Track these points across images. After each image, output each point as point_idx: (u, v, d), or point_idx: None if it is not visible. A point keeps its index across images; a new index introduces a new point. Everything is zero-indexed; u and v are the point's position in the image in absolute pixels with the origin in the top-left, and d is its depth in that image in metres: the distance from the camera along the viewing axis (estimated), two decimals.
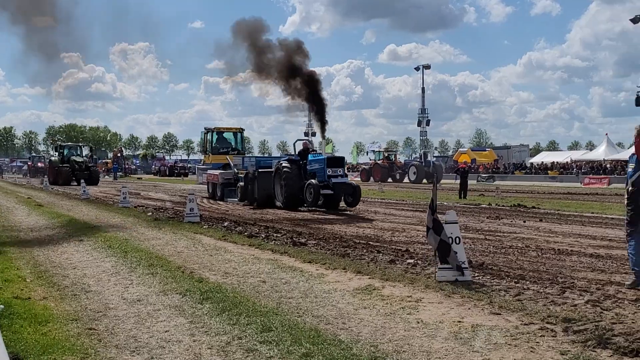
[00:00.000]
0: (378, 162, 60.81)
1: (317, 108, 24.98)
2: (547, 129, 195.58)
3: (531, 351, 5.23)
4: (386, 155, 62.67)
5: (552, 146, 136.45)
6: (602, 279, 8.41)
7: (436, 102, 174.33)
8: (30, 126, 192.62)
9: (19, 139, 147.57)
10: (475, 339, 5.59)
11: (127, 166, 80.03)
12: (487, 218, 17.81)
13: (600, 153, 58.96)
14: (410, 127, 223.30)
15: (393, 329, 5.98)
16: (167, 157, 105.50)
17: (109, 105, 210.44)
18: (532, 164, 65.18)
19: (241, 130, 33.71)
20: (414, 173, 56.86)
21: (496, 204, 23.57)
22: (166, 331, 5.97)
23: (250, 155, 36.72)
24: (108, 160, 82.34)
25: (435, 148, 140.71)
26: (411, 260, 9.79)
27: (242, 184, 24.59)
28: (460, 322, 6.17)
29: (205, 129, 33.15)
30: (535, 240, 12.76)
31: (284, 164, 21.90)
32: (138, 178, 68.00)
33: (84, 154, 51.34)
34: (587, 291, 7.50)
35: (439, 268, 8.04)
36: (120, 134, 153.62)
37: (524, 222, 16.76)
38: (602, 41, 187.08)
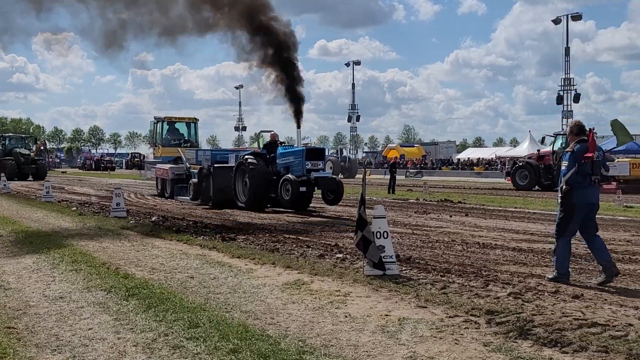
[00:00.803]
0: None
1: (289, 82, 19.44)
2: (473, 126, 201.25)
3: (456, 343, 5.34)
4: None
5: (478, 143, 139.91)
6: (524, 271, 8.66)
7: (366, 98, 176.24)
8: None
9: None
10: (402, 332, 5.68)
11: (50, 159, 77.71)
12: (415, 213, 18.09)
13: (523, 149, 60.55)
14: (341, 122, 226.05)
15: (321, 323, 6.01)
16: (93, 151, 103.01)
17: (31, 96, 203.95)
18: (458, 159, 66.66)
19: (195, 120, 30.24)
20: (330, 168, 57.29)
21: (424, 199, 23.97)
22: (90, 329, 5.82)
23: (205, 148, 32.15)
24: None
25: (365, 144, 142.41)
26: (340, 255, 9.85)
27: (195, 180, 21.90)
28: (387, 315, 6.25)
29: (154, 118, 29.30)
30: (461, 234, 13.04)
31: (249, 159, 19.23)
32: (62, 172, 66.10)
33: (29, 147, 48.58)
34: (509, 284, 7.72)
35: (367, 262, 8.12)
36: (43, 127, 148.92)
37: (451, 216, 17.10)
38: (525, 41, 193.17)
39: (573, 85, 46.51)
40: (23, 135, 55.97)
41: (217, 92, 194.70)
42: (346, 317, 6.23)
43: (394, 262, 8.22)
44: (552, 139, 34.53)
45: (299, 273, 8.41)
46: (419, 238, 12.29)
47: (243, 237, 12.26)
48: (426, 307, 6.54)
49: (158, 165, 26.46)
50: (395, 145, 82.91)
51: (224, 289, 7.51)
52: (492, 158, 63.41)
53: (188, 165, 23.56)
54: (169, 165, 25.03)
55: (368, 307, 6.61)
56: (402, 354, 5.08)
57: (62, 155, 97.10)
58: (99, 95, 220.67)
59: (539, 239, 12.06)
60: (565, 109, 46.27)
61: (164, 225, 14.22)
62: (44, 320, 6.15)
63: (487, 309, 6.34)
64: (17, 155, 44.02)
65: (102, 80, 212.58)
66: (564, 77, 46.45)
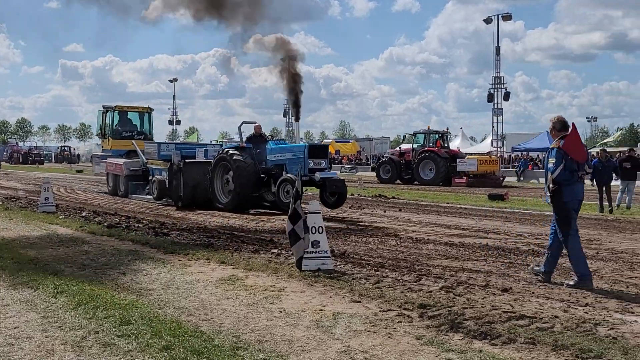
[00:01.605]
0: None
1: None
2: (407, 122, 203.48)
3: (389, 337, 5.40)
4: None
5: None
6: (456, 266, 8.84)
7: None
8: None
9: None
10: (336, 326, 5.71)
11: None
12: (350, 208, 18.21)
13: (454, 146, 61.99)
14: (277, 117, 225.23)
15: (256, 319, 5.98)
16: (20, 144, 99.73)
17: None
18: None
19: (149, 110, 27.49)
20: None
21: (358, 194, 24.16)
22: (16, 327, 5.63)
23: (168, 142, 28.63)
24: None
25: (301, 139, 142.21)
26: (275, 250, 9.84)
27: (160, 177, 19.53)
28: (322, 310, 6.27)
29: (103, 107, 26.60)
30: (394, 229, 13.21)
31: (233, 154, 17.09)
32: None
33: None
34: (441, 278, 7.86)
35: (303, 257, 8.13)
36: None
37: (385, 212, 17.30)
38: (457, 39, 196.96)
39: (503, 83, 47.52)
40: None
41: (150, 85, 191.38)
42: (281, 312, 6.22)
43: (329, 257, 8.25)
44: (413, 137, 37.85)
45: (233, 268, 8.35)
46: (353, 233, 12.39)
47: (177, 232, 12.09)
48: (360, 302, 6.59)
49: (109, 160, 23.62)
50: (330, 140, 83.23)
51: (156, 285, 7.39)
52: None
53: (145, 160, 21.42)
54: (123, 160, 22.56)
55: (303, 302, 6.62)
56: (336, 349, 5.10)
57: None
58: (27, 87, 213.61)
59: (470, 234, 12.34)
60: (495, 106, 47.29)
61: (94, 221, 13.87)
62: None
63: (419, 302, 6.43)
64: None
65: (29, 71, 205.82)
66: (494, 75, 47.38)
